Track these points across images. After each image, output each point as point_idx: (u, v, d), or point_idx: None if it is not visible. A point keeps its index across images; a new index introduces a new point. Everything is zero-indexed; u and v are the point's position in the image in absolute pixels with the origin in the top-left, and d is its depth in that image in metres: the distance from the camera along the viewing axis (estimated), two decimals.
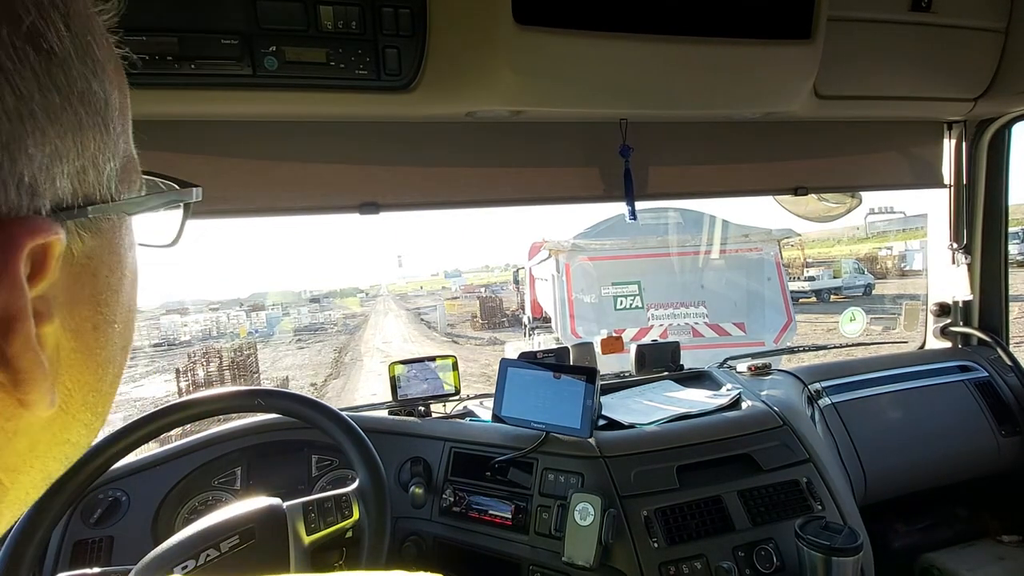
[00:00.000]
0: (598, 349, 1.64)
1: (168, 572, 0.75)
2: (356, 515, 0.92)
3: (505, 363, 1.20)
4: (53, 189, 0.22)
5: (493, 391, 1.22)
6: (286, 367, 17.90)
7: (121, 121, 0.27)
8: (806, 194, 1.55)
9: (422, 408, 1.38)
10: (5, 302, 0.20)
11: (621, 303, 6.59)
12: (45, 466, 0.25)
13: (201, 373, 13.78)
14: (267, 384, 11.49)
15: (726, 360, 1.67)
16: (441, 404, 1.43)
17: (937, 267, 1.81)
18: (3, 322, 0.20)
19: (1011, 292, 1.75)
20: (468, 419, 1.39)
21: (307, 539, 0.87)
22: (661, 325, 6.53)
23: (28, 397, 0.21)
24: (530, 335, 8.86)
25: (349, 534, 1.00)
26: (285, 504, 0.88)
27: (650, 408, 1.31)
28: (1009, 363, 1.65)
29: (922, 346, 1.88)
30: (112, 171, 0.26)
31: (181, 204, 0.33)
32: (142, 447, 0.95)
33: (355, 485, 0.95)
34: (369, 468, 0.96)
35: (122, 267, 0.27)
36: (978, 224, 1.70)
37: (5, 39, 0.19)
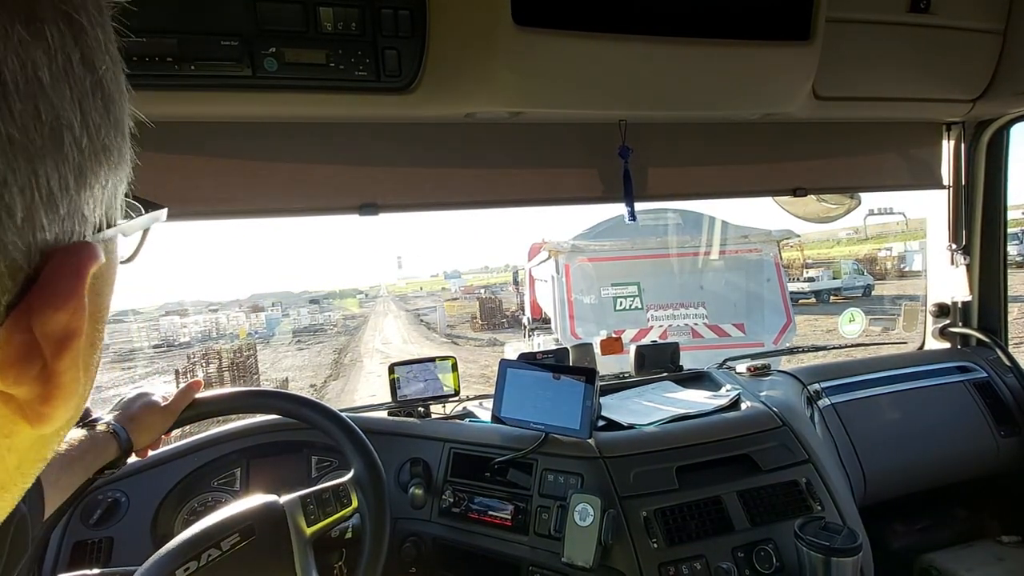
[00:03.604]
0: (597, 350, 1.64)
1: (170, 574, 0.76)
2: (355, 503, 0.93)
3: (504, 364, 1.20)
4: (94, 215, 0.23)
5: (492, 392, 1.22)
6: (285, 368, 17.90)
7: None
8: (805, 195, 1.55)
9: (421, 409, 1.38)
10: (68, 322, 0.20)
11: (621, 304, 6.58)
12: (24, 484, 0.24)
13: (201, 374, 13.78)
14: (267, 385, 11.49)
15: (725, 361, 1.67)
16: (441, 405, 1.44)
17: (936, 268, 1.82)
18: (62, 340, 0.21)
19: (1010, 293, 1.75)
20: (468, 420, 1.40)
21: (308, 531, 0.87)
22: (661, 326, 6.53)
23: (51, 412, 0.21)
24: (529, 336, 8.84)
25: (349, 533, 1.00)
26: (283, 499, 0.88)
27: (649, 409, 1.31)
28: (1008, 364, 1.65)
29: (921, 347, 1.88)
30: (121, 194, 0.26)
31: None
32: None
33: (351, 475, 0.95)
34: (364, 457, 0.96)
35: (112, 285, 0.28)
36: (977, 225, 1.70)
37: (86, 87, 0.20)
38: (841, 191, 1.67)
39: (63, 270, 0.20)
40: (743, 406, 1.28)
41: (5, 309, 0.19)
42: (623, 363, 1.66)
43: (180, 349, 23.82)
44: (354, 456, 0.96)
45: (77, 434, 0.79)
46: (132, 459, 0.92)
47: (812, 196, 1.60)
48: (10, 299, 0.19)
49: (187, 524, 0.92)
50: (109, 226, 0.25)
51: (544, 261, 7.29)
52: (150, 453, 0.95)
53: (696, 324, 6.52)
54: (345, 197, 1.22)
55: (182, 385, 0.97)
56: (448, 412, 1.46)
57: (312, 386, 13.98)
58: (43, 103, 0.19)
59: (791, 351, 2.22)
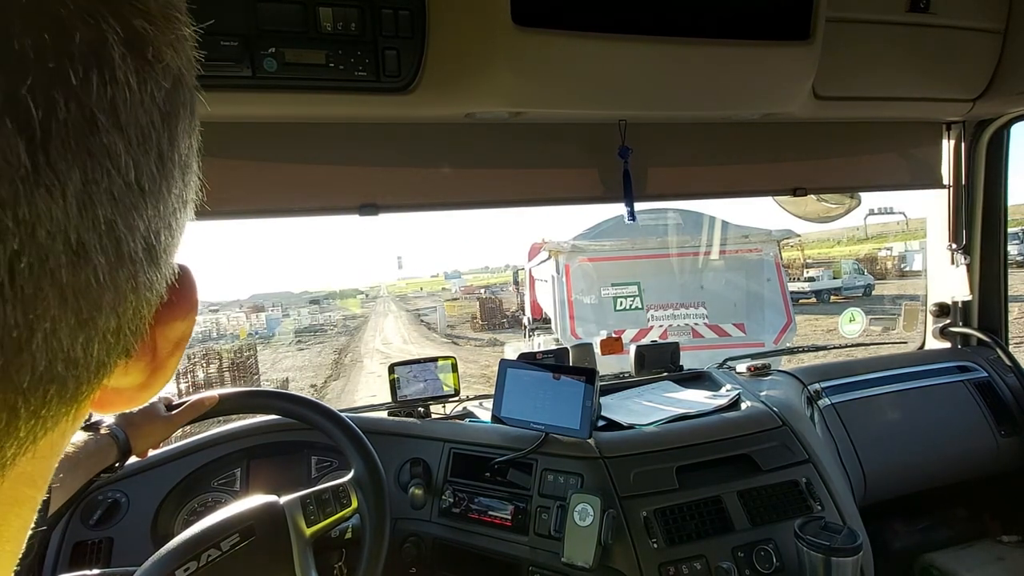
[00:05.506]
0: (597, 350, 1.64)
1: (170, 574, 0.76)
2: (355, 504, 0.93)
3: (504, 364, 1.20)
4: None
5: (492, 392, 1.22)
6: (286, 368, 17.90)
7: None
8: (805, 195, 1.55)
9: (422, 409, 1.38)
10: (185, 329, 0.25)
11: (621, 304, 6.58)
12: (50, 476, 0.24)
13: (201, 374, 13.77)
14: (267, 385, 11.50)
15: (726, 361, 1.67)
16: (441, 405, 1.44)
17: (936, 268, 1.82)
18: (178, 343, 0.25)
19: (1010, 292, 1.75)
20: (468, 420, 1.40)
21: (308, 531, 0.87)
22: (661, 326, 6.53)
23: (148, 395, 0.25)
24: (530, 336, 8.85)
25: (349, 534, 1.00)
26: (282, 499, 0.88)
27: (649, 409, 1.31)
28: (1008, 363, 1.65)
29: (921, 346, 1.88)
30: None
31: None
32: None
33: (351, 475, 0.95)
34: (364, 457, 0.96)
35: None
36: (977, 224, 1.70)
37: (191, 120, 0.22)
38: (841, 191, 1.67)
39: (184, 290, 0.24)
40: (743, 406, 1.28)
41: (149, 324, 0.23)
42: (623, 363, 1.66)
43: None
44: (354, 456, 0.96)
45: (80, 436, 0.80)
46: (131, 459, 0.92)
47: (812, 196, 1.60)
48: (153, 315, 0.23)
49: (187, 524, 0.92)
50: None
51: (544, 261, 7.29)
52: (151, 453, 0.96)
53: (696, 324, 6.52)
54: (345, 197, 1.22)
55: (188, 392, 0.97)
56: (448, 412, 1.46)
57: (312, 386, 13.99)
58: (169, 144, 0.21)
59: (791, 351, 2.22)
